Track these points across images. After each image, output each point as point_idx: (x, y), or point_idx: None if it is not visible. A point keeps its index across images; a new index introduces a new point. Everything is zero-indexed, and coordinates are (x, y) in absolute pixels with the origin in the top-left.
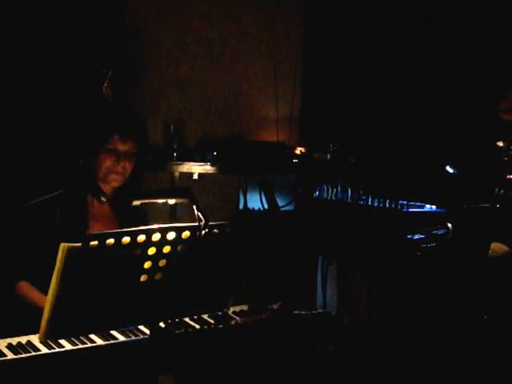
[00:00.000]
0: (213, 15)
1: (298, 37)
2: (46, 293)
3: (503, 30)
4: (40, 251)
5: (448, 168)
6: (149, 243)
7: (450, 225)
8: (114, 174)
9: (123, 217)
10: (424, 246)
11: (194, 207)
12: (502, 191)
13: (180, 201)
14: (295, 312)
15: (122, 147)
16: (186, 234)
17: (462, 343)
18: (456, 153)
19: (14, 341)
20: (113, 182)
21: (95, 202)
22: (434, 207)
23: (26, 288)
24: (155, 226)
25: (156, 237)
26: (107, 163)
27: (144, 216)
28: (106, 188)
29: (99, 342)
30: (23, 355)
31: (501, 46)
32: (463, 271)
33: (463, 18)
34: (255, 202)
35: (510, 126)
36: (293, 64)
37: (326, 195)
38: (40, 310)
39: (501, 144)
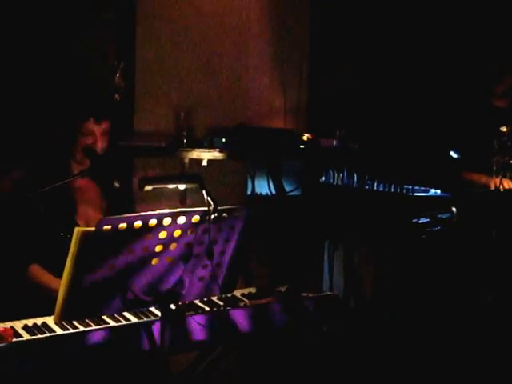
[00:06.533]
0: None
1: (304, 27)
2: (56, 274)
3: (500, 17)
4: (41, 233)
5: (452, 153)
6: (160, 227)
7: (454, 209)
8: None
9: (107, 192)
10: (429, 229)
11: (204, 192)
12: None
13: (190, 186)
14: (302, 294)
15: (97, 129)
16: (195, 219)
17: (467, 325)
18: (460, 138)
19: (30, 322)
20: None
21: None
22: (438, 191)
23: (38, 271)
24: (166, 211)
25: (167, 221)
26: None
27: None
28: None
29: (112, 323)
30: (38, 336)
31: (498, 33)
32: (468, 254)
33: (461, 7)
34: (263, 187)
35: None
36: (300, 53)
37: (332, 180)
38: (53, 292)
39: (504, 129)
